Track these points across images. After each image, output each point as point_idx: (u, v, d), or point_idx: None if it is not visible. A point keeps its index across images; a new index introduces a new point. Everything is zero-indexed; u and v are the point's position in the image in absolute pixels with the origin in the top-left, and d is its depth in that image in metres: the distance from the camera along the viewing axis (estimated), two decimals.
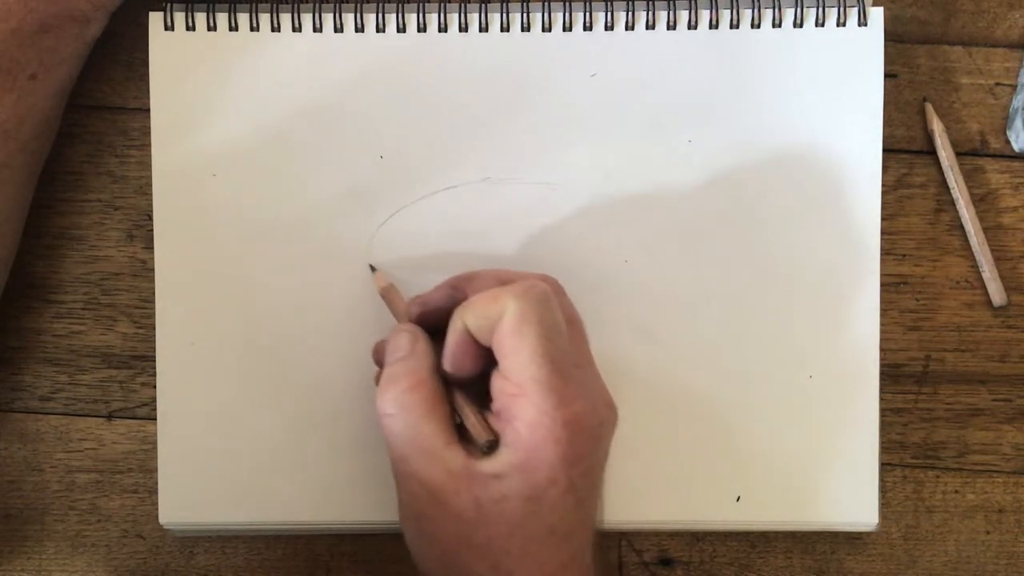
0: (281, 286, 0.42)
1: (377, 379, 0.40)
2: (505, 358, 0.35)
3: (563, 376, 0.34)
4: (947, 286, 0.44)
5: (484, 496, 0.34)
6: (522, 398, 0.34)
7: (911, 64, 0.44)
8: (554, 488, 0.34)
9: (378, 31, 0.42)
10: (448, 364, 0.36)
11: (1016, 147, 0.44)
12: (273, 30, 0.42)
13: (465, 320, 0.36)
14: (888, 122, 0.43)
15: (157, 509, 0.43)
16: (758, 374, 0.43)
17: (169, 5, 0.42)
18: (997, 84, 0.44)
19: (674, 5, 0.42)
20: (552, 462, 0.34)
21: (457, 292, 0.38)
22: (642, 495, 0.43)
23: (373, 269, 0.42)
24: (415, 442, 0.35)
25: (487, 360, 0.36)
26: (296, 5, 0.42)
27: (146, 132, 0.43)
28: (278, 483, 0.43)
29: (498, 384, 0.35)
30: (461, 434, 0.36)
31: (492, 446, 0.35)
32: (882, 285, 0.43)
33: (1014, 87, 0.44)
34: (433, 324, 0.38)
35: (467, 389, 0.37)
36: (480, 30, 0.42)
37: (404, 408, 0.35)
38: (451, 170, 0.42)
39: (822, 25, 0.42)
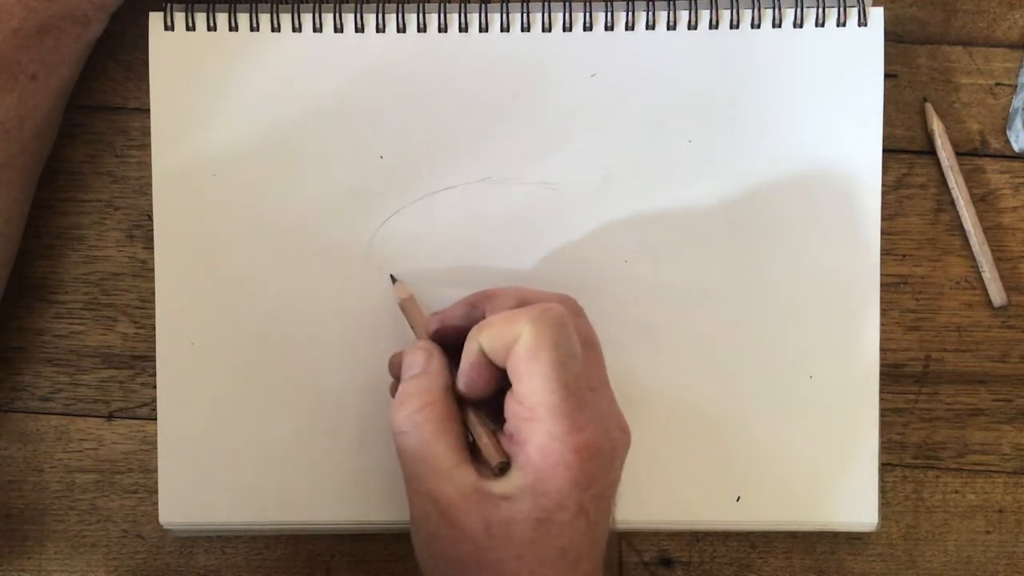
0: (281, 286, 0.42)
1: (393, 392, 0.40)
2: (519, 382, 0.35)
3: (576, 401, 0.34)
4: (947, 286, 0.44)
5: (494, 517, 0.34)
6: (534, 422, 0.34)
7: (911, 64, 0.44)
8: (564, 512, 0.34)
9: (378, 31, 0.42)
10: (462, 384, 0.36)
11: (1016, 147, 0.44)
12: (273, 30, 0.42)
13: (480, 341, 0.36)
14: (888, 122, 0.43)
15: (157, 509, 0.43)
16: (758, 374, 0.43)
17: (169, 5, 0.42)
18: (997, 84, 0.44)
19: (674, 5, 0.42)
20: (562, 487, 0.34)
21: (475, 310, 0.38)
22: (642, 495, 0.43)
23: (394, 280, 0.42)
24: (427, 461, 0.35)
25: (502, 381, 0.36)
26: (296, 5, 0.42)
27: (146, 132, 0.43)
28: (278, 483, 0.42)
29: (511, 407, 0.35)
30: (474, 454, 0.36)
31: (504, 468, 0.35)
32: (882, 285, 0.43)
33: (1014, 87, 0.44)
34: (451, 341, 0.38)
35: (481, 408, 0.37)
36: (480, 30, 0.42)
37: (416, 426, 0.35)
38: (451, 170, 0.42)
39: (822, 25, 0.42)
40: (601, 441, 0.35)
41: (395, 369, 0.40)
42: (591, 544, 0.35)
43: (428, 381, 0.36)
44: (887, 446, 0.44)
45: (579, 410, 0.34)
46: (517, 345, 0.34)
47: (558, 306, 0.36)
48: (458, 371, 0.37)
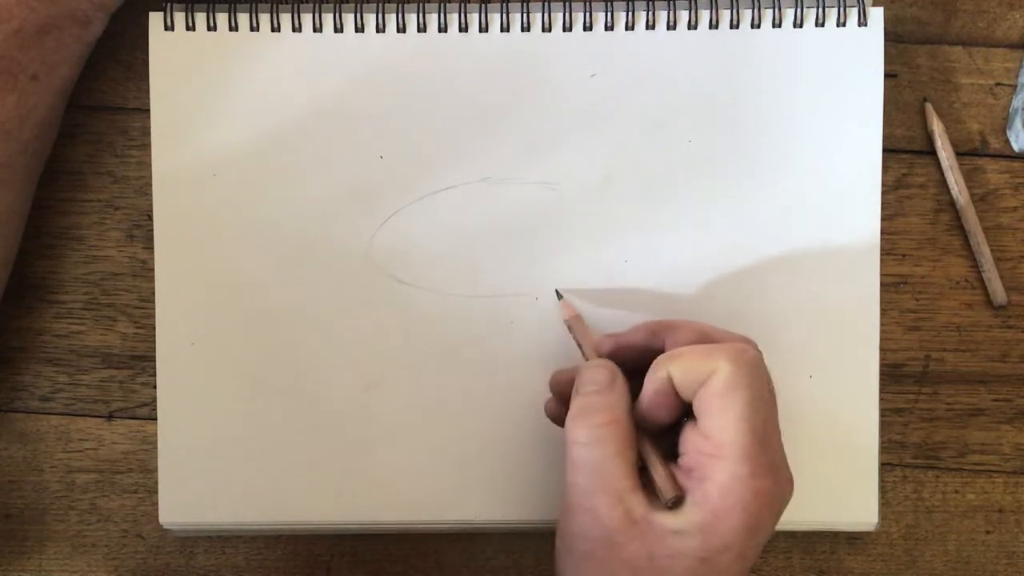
0: (280, 286, 0.42)
1: (550, 409, 0.40)
2: (708, 417, 0.35)
3: (761, 446, 0.34)
4: (947, 286, 0.44)
5: (659, 550, 0.34)
6: (719, 460, 0.34)
7: (911, 64, 0.44)
8: (727, 554, 0.34)
9: (378, 31, 0.42)
10: (644, 410, 0.36)
11: (1016, 147, 0.44)
12: (273, 30, 0.42)
13: (671, 371, 0.36)
14: (888, 122, 0.43)
15: (157, 509, 0.43)
16: None
17: (169, 5, 0.42)
18: (997, 84, 0.44)
19: (674, 5, 0.42)
20: (735, 528, 0.34)
21: (654, 337, 0.38)
22: None
23: (559, 296, 0.42)
24: (602, 478, 0.35)
25: (680, 413, 0.36)
26: (296, 5, 0.42)
27: (146, 132, 0.43)
28: (278, 483, 0.42)
29: (693, 441, 0.35)
30: (643, 482, 0.36)
31: (677, 502, 0.35)
32: (882, 285, 0.43)
33: (1014, 87, 0.44)
34: (621, 363, 0.38)
35: (650, 437, 0.37)
36: (480, 30, 0.42)
37: (598, 441, 0.35)
38: (451, 170, 0.42)
39: (822, 25, 0.42)
40: (775, 489, 0.35)
41: (560, 386, 0.39)
42: None
43: (613, 399, 0.36)
44: (887, 446, 0.44)
45: (763, 454, 0.34)
46: (712, 381, 0.34)
47: (753, 349, 0.36)
48: (639, 396, 0.37)
